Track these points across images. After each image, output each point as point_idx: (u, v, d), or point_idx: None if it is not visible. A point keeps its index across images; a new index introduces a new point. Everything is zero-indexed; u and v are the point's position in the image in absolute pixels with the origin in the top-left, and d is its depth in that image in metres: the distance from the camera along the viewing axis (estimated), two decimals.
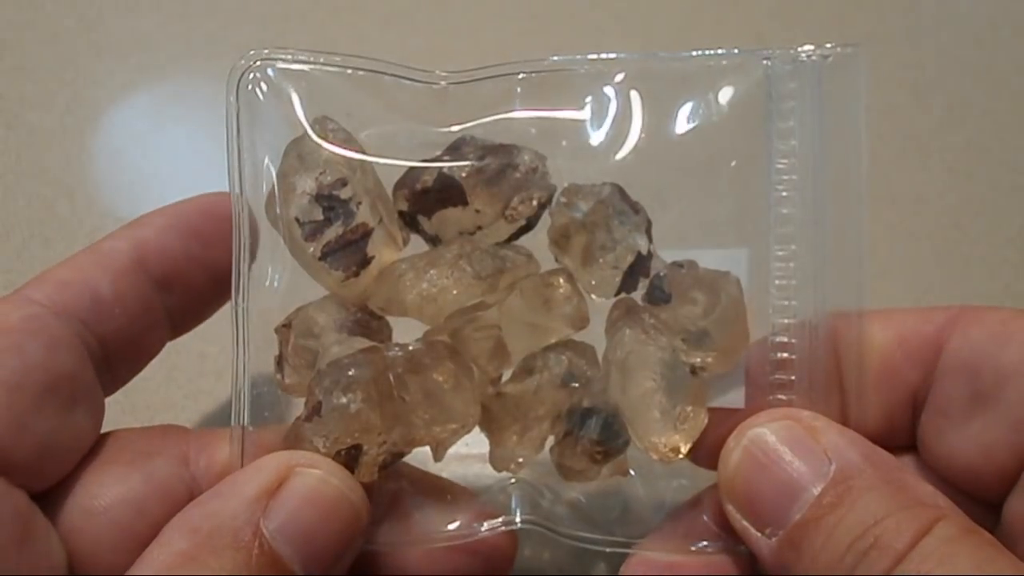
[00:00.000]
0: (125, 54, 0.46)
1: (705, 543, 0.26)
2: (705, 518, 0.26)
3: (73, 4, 0.46)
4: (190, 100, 0.45)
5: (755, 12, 0.48)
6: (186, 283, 0.29)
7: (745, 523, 0.23)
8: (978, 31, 0.48)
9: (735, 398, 0.26)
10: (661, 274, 0.26)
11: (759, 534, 0.23)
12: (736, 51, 0.27)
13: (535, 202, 0.27)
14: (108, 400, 0.32)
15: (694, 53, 0.27)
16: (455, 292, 0.26)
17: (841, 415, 0.25)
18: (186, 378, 0.39)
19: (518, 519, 0.28)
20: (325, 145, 0.26)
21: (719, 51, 0.27)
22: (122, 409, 0.38)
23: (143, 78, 0.45)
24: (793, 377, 0.25)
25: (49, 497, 0.26)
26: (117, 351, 0.28)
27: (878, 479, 0.22)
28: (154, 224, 0.29)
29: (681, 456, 0.25)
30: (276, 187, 0.27)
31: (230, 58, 0.48)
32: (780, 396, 0.26)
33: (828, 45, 0.26)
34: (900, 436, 0.26)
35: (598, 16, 0.48)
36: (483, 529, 0.27)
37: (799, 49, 0.26)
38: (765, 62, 0.26)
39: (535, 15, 0.48)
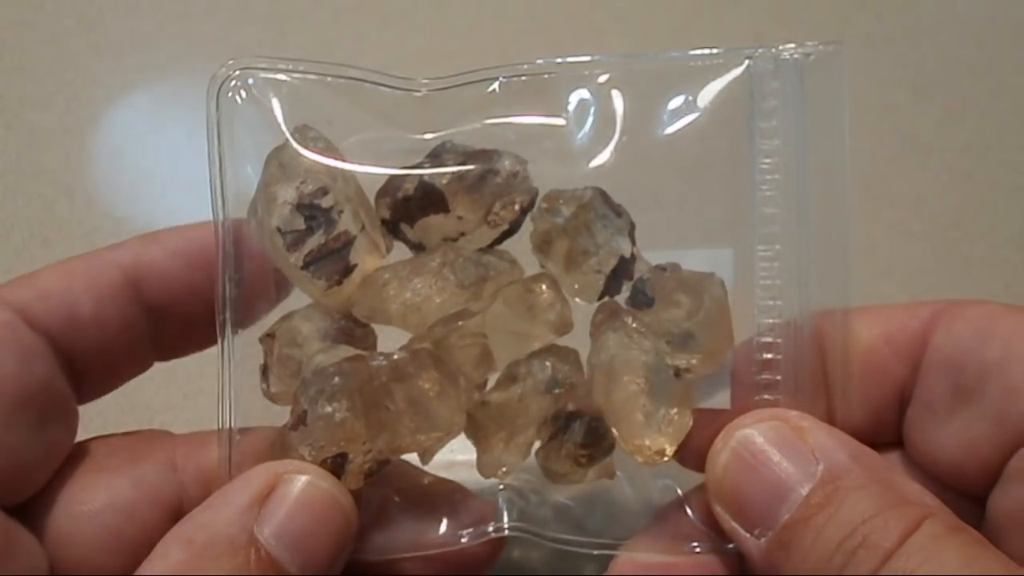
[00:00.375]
0: (125, 54, 0.46)
1: (694, 543, 0.26)
2: (692, 518, 0.26)
3: (73, 4, 0.46)
4: (190, 100, 0.45)
5: (754, 12, 0.49)
6: (182, 314, 0.28)
7: (734, 524, 0.24)
8: (978, 31, 0.48)
9: (721, 399, 0.26)
10: (644, 278, 0.26)
11: (748, 535, 0.23)
12: (718, 50, 0.27)
13: (517, 206, 0.27)
14: (108, 399, 0.32)
15: (676, 53, 0.27)
16: (438, 301, 0.26)
17: (827, 413, 0.25)
18: (186, 378, 0.39)
19: (506, 525, 0.28)
20: (306, 154, 0.26)
21: (701, 51, 0.27)
22: (122, 409, 0.38)
23: (143, 78, 0.45)
24: (779, 377, 0.25)
25: (37, 503, 0.25)
26: (89, 369, 0.27)
27: (866, 479, 0.22)
28: (166, 244, 0.28)
29: (666, 459, 0.25)
30: (258, 197, 0.27)
31: (231, 58, 0.48)
32: (766, 396, 0.25)
33: (810, 43, 0.26)
34: (887, 432, 0.27)
35: (598, 16, 0.48)
36: (470, 536, 0.27)
37: (781, 48, 0.26)
38: (747, 61, 0.26)
39: (535, 15, 0.48)
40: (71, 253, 0.41)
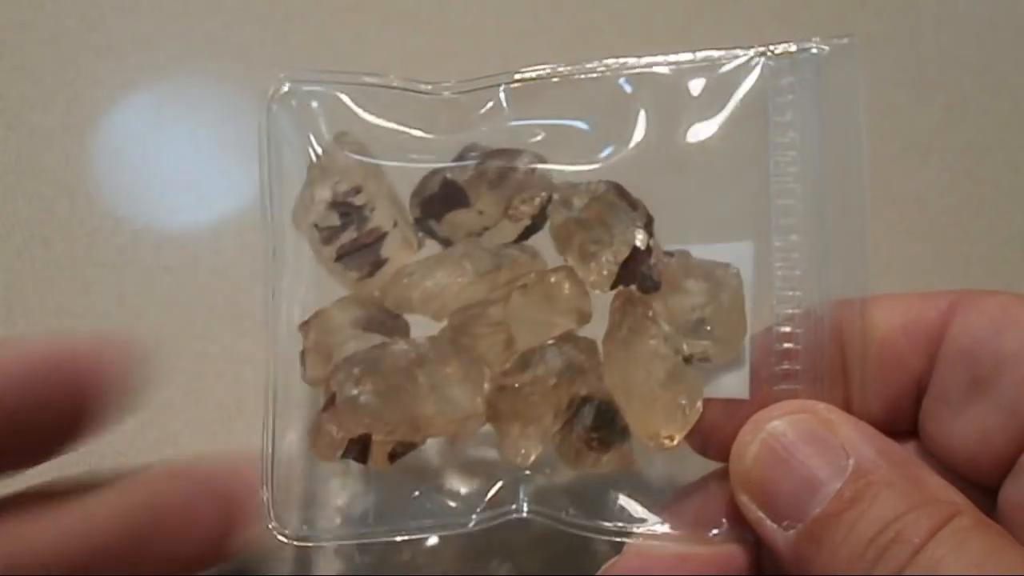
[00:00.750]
0: (125, 54, 0.46)
1: (713, 531, 0.26)
2: (710, 506, 0.27)
3: (73, 4, 0.46)
4: (190, 100, 0.45)
5: (755, 12, 0.49)
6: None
7: (760, 514, 0.24)
8: (978, 31, 0.48)
9: (740, 388, 0.26)
10: (651, 263, 0.26)
11: (775, 526, 0.23)
12: (733, 49, 0.27)
13: (537, 201, 0.28)
14: None
15: (693, 54, 0.28)
16: (456, 289, 0.27)
17: (845, 403, 0.25)
18: (186, 378, 0.39)
19: (524, 509, 0.29)
20: (342, 157, 0.29)
21: (716, 51, 0.28)
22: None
23: (143, 78, 0.45)
24: (798, 367, 0.26)
25: None
26: None
27: (895, 475, 0.22)
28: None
29: (675, 444, 0.26)
30: (301, 197, 0.29)
31: (231, 58, 0.48)
32: (785, 386, 0.26)
33: (817, 38, 0.27)
34: (903, 422, 0.27)
35: (598, 16, 0.48)
36: (486, 519, 0.28)
37: (796, 43, 0.27)
38: (762, 58, 0.27)
39: (536, 14, 0.48)
40: (71, 253, 0.41)
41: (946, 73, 0.47)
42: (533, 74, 0.28)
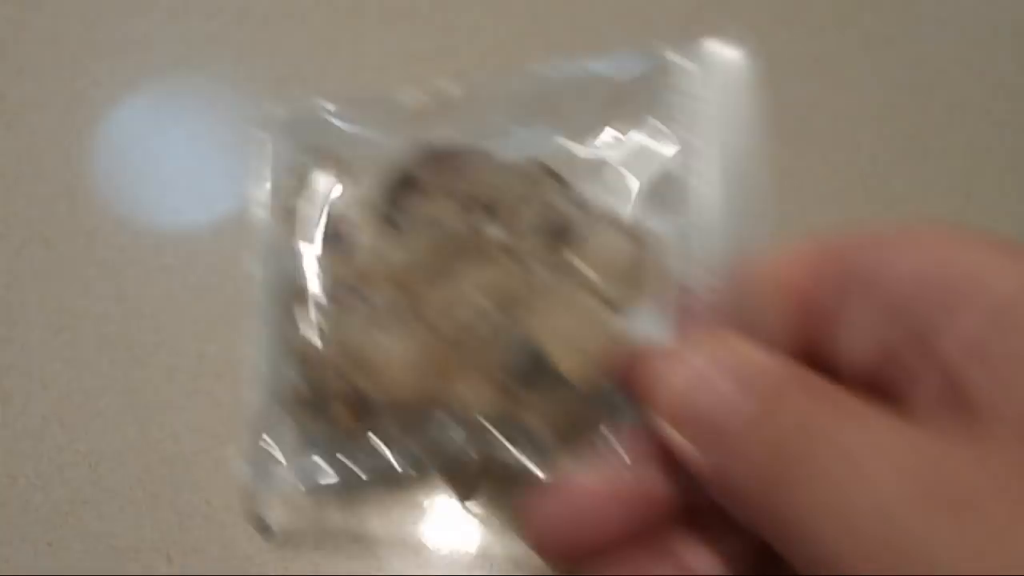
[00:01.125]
0: (125, 54, 0.46)
1: (644, 469, 0.27)
2: (636, 447, 0.27)
3: (73, 4, 0.46)
4: (190, 100, 0.45)
5: (754, 12, 0.49)
6: None
7: (682, 442, 0.25)
8: (978, 31, 0.48)
9: (661, 334, 0.28)
10: (563, 213, 0.30)
11: (696, 452, 0.24)
12: (631, 52, 0.31)
13: (482, 188, 0.31)
14: (107, 398, 0.32)
15: (593, 63, 0.32)
16: (402, 255, 0.31)
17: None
18: (186, 378, 0.39)
19: (470, 452, 0.31)
20: (322, 169, 0.33)
21: (616, 55, 0.31)
22: (120, 409, 0.38)
23: (143, 78, 0.45)
24: (715, 315, 0.27)
25: None
26: None
27: (805, 386, 0.23)
28: None
29: (598, 383, 0.28)
30: (284, 209, 0.33)
31: (230, 58, 0.48)
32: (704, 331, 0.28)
33: (714, 40, 0.30)
34: (818, 367, 0.28)
35: (597, 17, 0.48)
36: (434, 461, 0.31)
37: (693, 44, 0.30)
38: (659, 60, 0.30)
39: (535, 15, 0.48)
40: (71, 253, 0.41)
41: (946, 73, 0.47)
42: (472, 83, 0.33)
